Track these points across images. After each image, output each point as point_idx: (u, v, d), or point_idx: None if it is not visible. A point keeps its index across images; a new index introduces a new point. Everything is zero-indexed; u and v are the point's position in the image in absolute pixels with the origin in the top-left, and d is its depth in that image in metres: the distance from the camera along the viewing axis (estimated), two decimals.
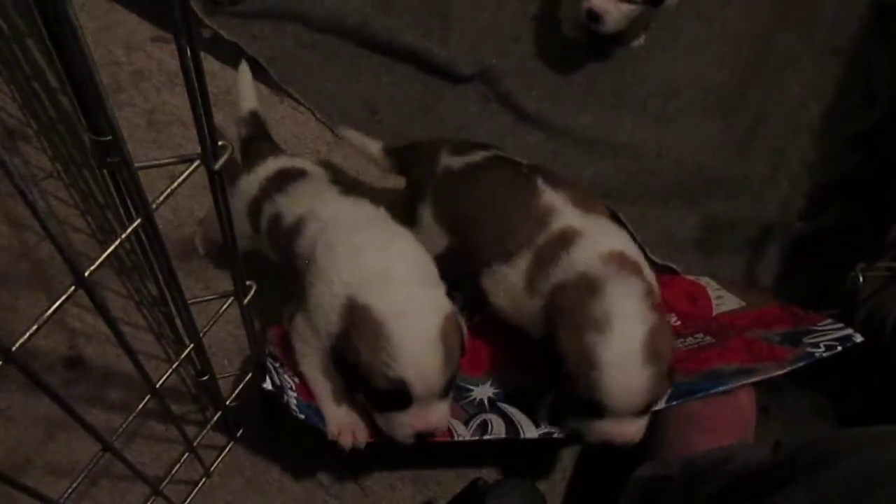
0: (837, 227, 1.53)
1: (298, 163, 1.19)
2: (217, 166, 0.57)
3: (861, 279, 1.14)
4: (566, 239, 1.05)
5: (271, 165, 1.17)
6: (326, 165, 1.24)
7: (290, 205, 1.10)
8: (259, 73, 1.51)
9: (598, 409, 0.98)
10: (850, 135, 1.63)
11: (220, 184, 0.59)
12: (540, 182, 1.11)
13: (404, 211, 1.22)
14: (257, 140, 1.25)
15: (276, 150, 1.24)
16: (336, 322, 0.97)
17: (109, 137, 0.50)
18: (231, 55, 1.52)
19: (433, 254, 1.09)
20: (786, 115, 1.65)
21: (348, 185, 1.17)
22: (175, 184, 0.56)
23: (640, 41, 1.67)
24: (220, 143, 0.56)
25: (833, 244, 1.50)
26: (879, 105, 1.67)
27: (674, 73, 1.66)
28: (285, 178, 1.15)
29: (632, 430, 1.00)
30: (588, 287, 0.99)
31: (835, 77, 1.73)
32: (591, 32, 1.61)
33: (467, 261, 1.15)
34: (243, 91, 1.30)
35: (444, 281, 1.05)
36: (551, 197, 1.09)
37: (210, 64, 1.52)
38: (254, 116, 1.27)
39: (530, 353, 1.11)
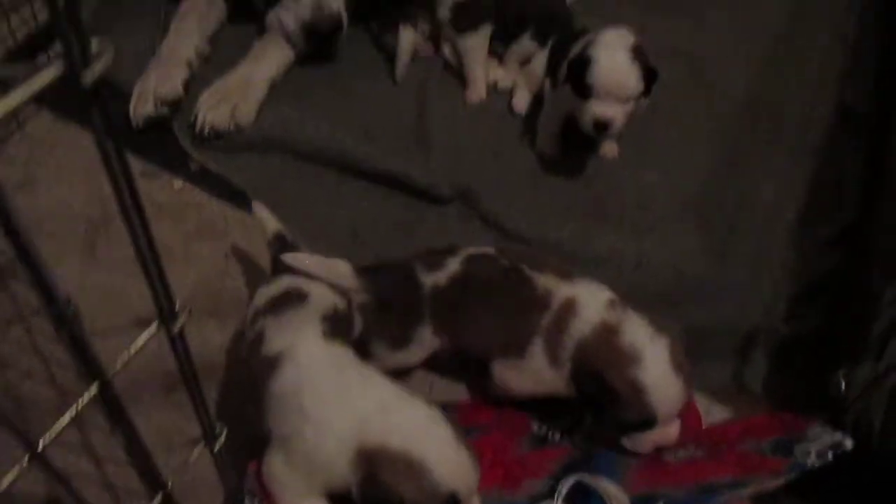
0: (822, 327, 1.53)
1: (306, 285, 1.21)
2: (176, 329, 0.58)
3: (844, 385, 1.14)
4: (569, 308, 1.20)
5: (282, 283, 1.21)
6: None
7: (275, 332, 1.12)
8: (244, 202, 1.56)
9: (649, 423, 1.17)
10: (825, 235, 1.66)
11: (181, 346, 0.60)
12: (527, 271, 1.22)
13: (379, 327, 1.27)
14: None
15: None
16: (349, 470, 0.99)
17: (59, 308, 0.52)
18: (218, 186, 1.57)
19: (423, 357, 1.26)
20: (762, 219, 1.69)
21: (338, 317, 1.18)
22: (133, 351, 0.57)
23: (614, 153, 1.73)
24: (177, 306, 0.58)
25: (819, 345, 1.50)
26: (851, 205, 1.70)
27: (649, 182, 1.70)
28: (284, 301, 1.18)
29: (674, 431, 1.20)
30: (609, 331, 1.17)
31: (807, 178, 1.77)
32: (567, 147, 1.67)
33: (467, 349, 1.28)
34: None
35: None
36: (544, 281, 1.22)
37: (196, 195, 1.56)
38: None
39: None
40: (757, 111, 1.88)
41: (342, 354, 1.11)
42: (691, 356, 1.44)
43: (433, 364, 1.35)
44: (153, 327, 0.57)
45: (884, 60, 2.06)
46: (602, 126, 1.51)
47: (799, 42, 2.08)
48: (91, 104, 0.49)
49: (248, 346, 1.16)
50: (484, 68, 1.77)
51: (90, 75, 0.47)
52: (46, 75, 0.46)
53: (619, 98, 1.48)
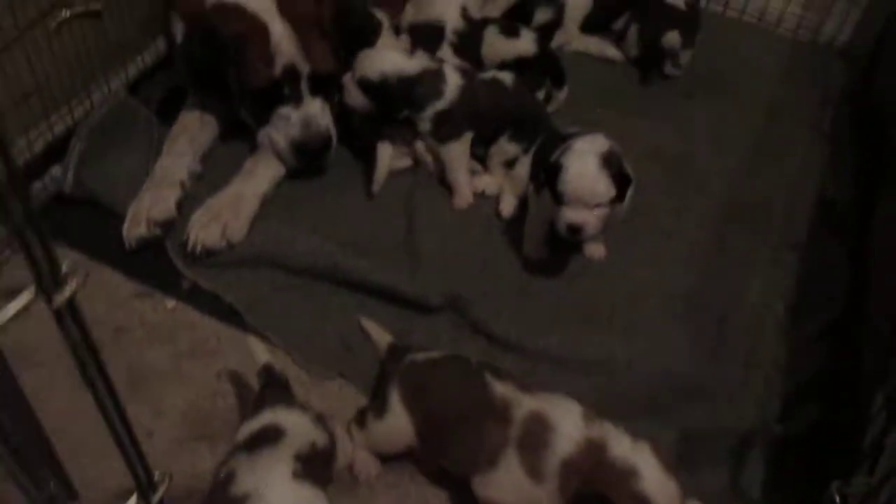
0: (817, 426, 1.52)
1: (285, 420, 1.21)
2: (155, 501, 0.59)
3: (837, 499, 1.12)
4: (540, 423, 1.22)
5: (262, 418, 1.22)
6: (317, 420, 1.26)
7: (246, 471, 1.12)
8: (236, 318, 1.57)
9: None
10: (816, 331, 1.66)
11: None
12: (488, 376, 1.29)
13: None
14: (268, 388, 1.32)
15: (278, 401, 1.27)
16: None
17: None
18: (209, 304, 1.59)
19: (402, 445, 1.32)
20: (751, 316, 1.70)
21: (315, 455, 1.18)
22: None
23: (601, 254, 1.75)
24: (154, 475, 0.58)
25: (815, 445, 1.49)
26: (838, 299, 1.71)
27: (637, 280, 1.72)
28: (261, 438, 1.18)
29: None
30: (597, 448, 1.18)
31: (794, 273, 1.79)
32: (553, 249, 1.70)
33: (442, 457, 1.32)
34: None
35: None
36: (502, 389, 1.27)
37: (189, 315, 1.58)
38: (267, 369, 1.35)
39: None
40: (740, 208, 1.92)
41: (312, 498, 1.10)
42: (688, 462, 1.43)
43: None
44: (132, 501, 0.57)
45: (862, 153, 2.12)
46: (575, 230, 1.53)
47: (777, 139, 2.14)
48: (63, 322, 0.50)
49: (216, 485, 1.15)
50: (467, 174, 1.82)
51: (60, 298, 0.48)
52: (17, 303, 0.47)
53: (589, 204, 1.51)
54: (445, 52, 1.99)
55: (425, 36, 2.02)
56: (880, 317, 1.52)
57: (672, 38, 2.24)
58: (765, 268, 1.79)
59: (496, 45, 2.06)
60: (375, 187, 1.78)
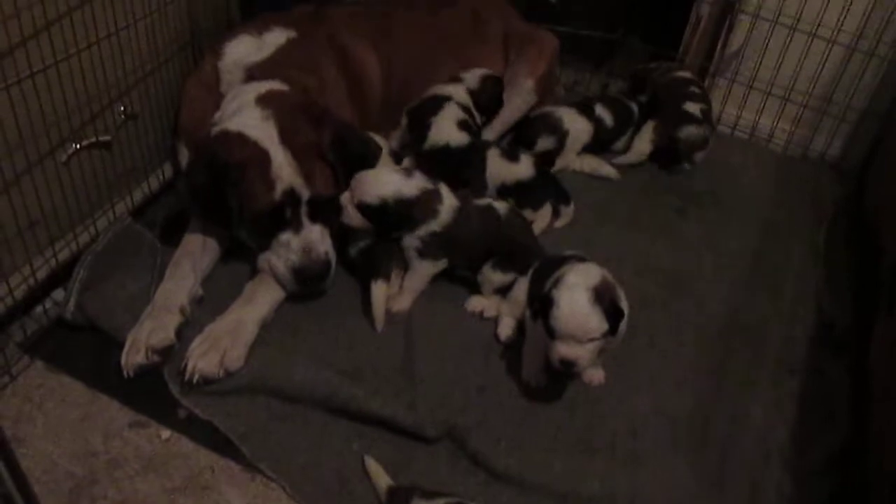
0: None
1: None
2: None
3: None
4: None
5: None
6: None
7: None
8: (232, 449, 1.55)
9: None
10: (821, 460, 1.64)
11: None
12: None
13: None
14: None
15: None
16: None
17: None
18: (204, 435, 1.57)
19: None
20: (754, 442, 1.67)
21: None
22: None
23: (600, 379, 1.74)
24: None
25: None
26: (842, 423, 1.69)
27: (637, 406, 1.71)
28: None
29: None
30: None
31: (795, 397, 1.78)
32: (552, 375, 1.69)
33: None
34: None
35: None
36: None
37: (183, 445, 1.56)
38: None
39: None
40: (738, 329, 1.93)
41: None
42: None
43: None
44: None
45: (857, 270, 2.14)
46: (568, 364, 1.53)
47: (774, 257, 2.17)
48: None
49: None
50: (419, 289, 1.86)
51: None
52: None
53: (581, 340, 1.51)
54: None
55: (438, 159, 2.08)
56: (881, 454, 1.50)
57: (689, 131, 2.41)
58: (765, 391, 1.78)
59: (498, 167, 2.11)
60: (379, 326, 1.78)
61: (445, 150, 2.09)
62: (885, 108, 2.48)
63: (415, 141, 2.16)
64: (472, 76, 2.30)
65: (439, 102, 2.16)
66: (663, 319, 1.92)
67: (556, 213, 2.13)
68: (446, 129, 2.11)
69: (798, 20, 2.50)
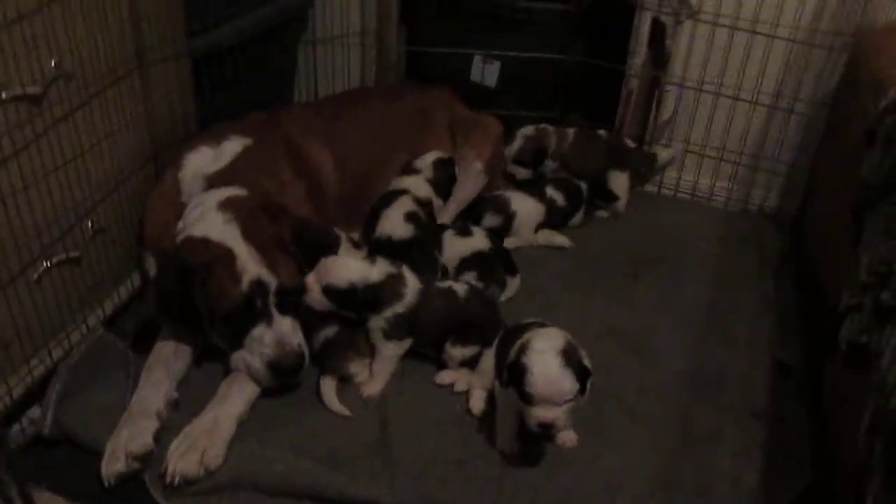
0: None
1: None
2: None
3: None
4: None
5: None
6: None
7: None
8: None
9: None
10: (789, 501, 1.69)
11: None
12: None
13: None
14: None
15: None
16: None
17: None
18: None
19: None
20: (726, 488, 1.73)
21: None
22: None
23: (573, 441, 1.79)
24: None
25: None
26: (806, 466, 1.76)
27: (611, 465, 1.76)
28: None
29: None
30: None
31: (761, 441, 1.84)
32: (525, 441, 1.74)
33: None
34: None
35: None
36: None
37: None
38: None
39: None
40: (699, 380, 2.01)
41: None
42: None
43: None
44: None
45: (806, 317, 2.25)
46: (546, 427, 1.59)
47: (726, 308, 2.28)
48: None
49: None
50: (389, 372, 1.92)
51: None
52: None
53: (557, 402, 1.58)
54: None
55: (383, 249, 2.17)
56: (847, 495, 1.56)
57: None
58: (731, 438, 1.84)
59: (456, 245, 2.24)
60: (342, 412, 1.83)
61: (389, 242, 2.20)
62: (810, 161, 2.66)
63: (367, 231, 2.28)
64: (425, 164, 2.45)
65: (395, 196, 2.30)
66: (628, 379, 1.99)
67: (502, 286, 2.23)
68: (392, 222, 2.24)
69: (720, 86, 2.70)
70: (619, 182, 2.73)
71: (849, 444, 1.58)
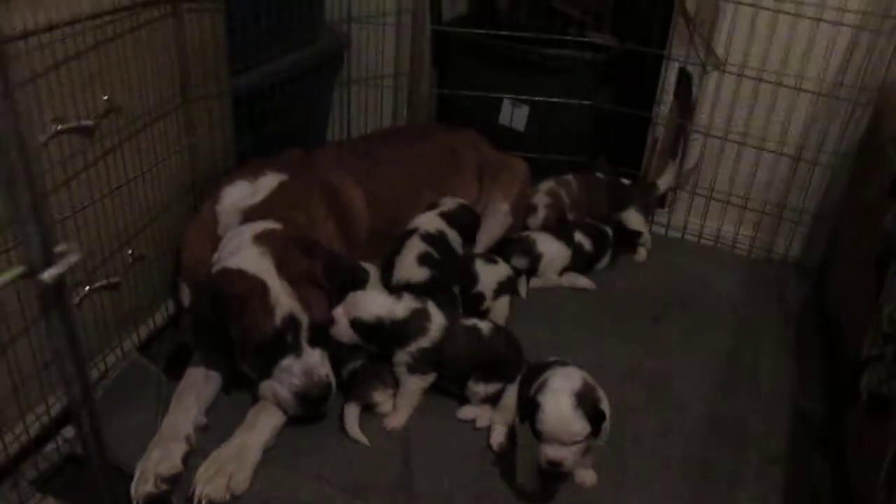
0: None
1: None
2: None
3: None
4: None
5: None
6: None
7: None
8: None
9: None
10: None
11: None
12: None
13: None
14: None
15: None
16: None
17: None
18: None
19: None
20: None
21: None
22: None
23: (592, 480, 1.81)
24: None
25: None
26: None
27: None
28: None
29: None
30: None
31: (780, 486, 1.85)
32: (546, 479, 1.76)
33: None
34: None
35: None
36: None
37: None
38: None
39: None
40: (719, 425, 2.02)
41: None
42: None
43: None
44: None
45: (827, 366, 2.26)
46: (554, 465, 1.62)
47: (747, 355, 2.29)
48: (53, 306, 0.51)
49: None
50: (412, 405, 1.96)
51: (50, 275, 0.50)
52: (8, 274, 0.49)
53: (566, 442, 1.60)
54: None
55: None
56: None
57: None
58: (750, 484, 1.85)
59: (489, 272, 2.33)
60: (362, 440, 1.87)
61: (408, 286, 2.23)
62: (834, 211, 2.68)
63: (385, 277, 2.33)
64: (450, 201, 2.50)
65: (403, 240, 2.34)
66: (648, 422, 2.01)
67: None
68: (407, 268, 2.27)
69: (745, 136, 2.74)
70: (633, 219, 2.81)
71: (869, 491, 1.59)
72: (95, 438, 0.63)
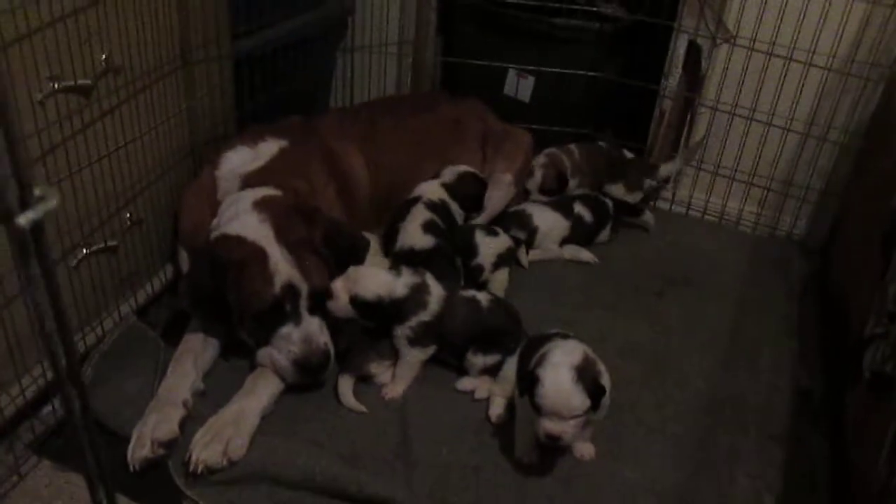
0: None
1: None
2: None
3: None
4: None
5: None
6: None
7: None
8: None
9: None
10: None
11: None
12: None
13: None
14: None
15: None
16: None
17: None
18: None
19: None
20: None
21: None
22: None
23: (591, 453, 1.80)
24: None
25: None
26: (824, 492, 1.76)
27: (627, 481, 1.76)
28: None
29: None
30: None
31: (778, 463, 1.85)
32: (544, 452, 1.75)
33: None
34: None
35: None
36: None
37: None
38: None
39: None
40: (719, 401, 2.01)
41: None
42: None
43: None
44: None
45: (829, 344, 2.24)
46: (553, 438, 1.61)
47: (749, 332, 2.28)
48: (30, 254, 0.49)
49: None
50: (411, 376, 1.95)
51: (25, 218, 0.48)
52: None
53: (565, 416, 1.59)
54: None
55: (405, 259, 2.20)
56: None
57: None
58: (749, 460, 1.84)
59: (489, 244, 2.31)
60: (358, 409, 1.87)
61: (411, 252, 2.22)
62: (841, 188, 2.66)
63: (387, 244, 2.32)
64: (451, 172, 2.47)
65: (409, 206, 2.32)
66: (648, 397, 2.00)
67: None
68: (411, 234, 2.25)
69: (754, 111, 2.70)
70: (614, 192, 2.81)
71: (869, 469, 1.59)
72: (81, 404, 0.60)
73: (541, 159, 2.75)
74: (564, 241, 2.57)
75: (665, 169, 2.88)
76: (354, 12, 3.08)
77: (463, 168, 2.49)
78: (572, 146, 2.82)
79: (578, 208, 2.59)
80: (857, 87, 2.55)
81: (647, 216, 2.76)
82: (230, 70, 2.29)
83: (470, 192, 2.46)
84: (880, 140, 2.33)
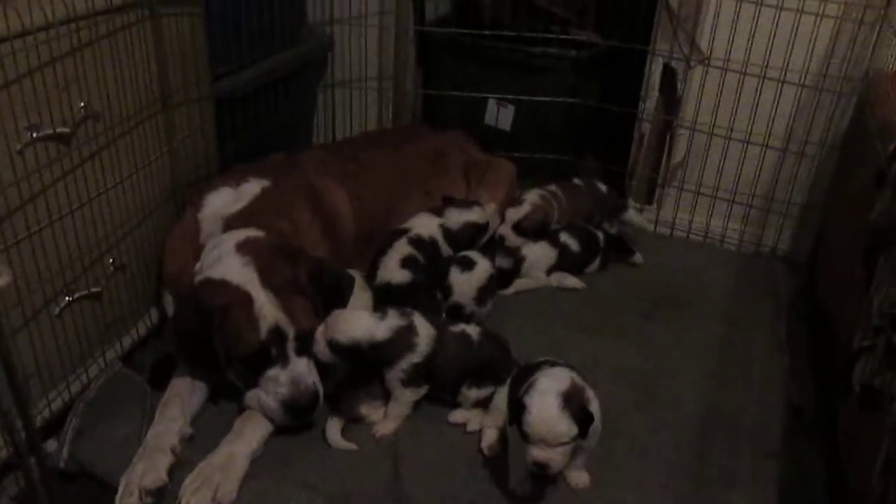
0: None
1: None
2: None
3: None
4: None
5: None
6: None
7: None
8: None
9: None
10: None
11: None
12: None
13: None
14: None
15: None
16: None
17: None
18: None
19: None
20: None
21: None
22: None
23: (585, 482, 1.79)
24: None
25: None
26: None
27: None
28: None
29: None
30: None
31: (774, 484, 1.83)
32: (537, 482, 1.74)
33: None
34: None
35: None
36: None
37: None
38: None
39: None
40: (712, 421, 2.00)
41: None
42: None
43: None
44: None
45: (818, 358, 2.25)
46: (541, 465, 1.60)
47: (739, 349, 2.28)
48: None
49: None
50: (403, 415, 1.92)
51: None
52: None
53: (552, 444, 1.58)
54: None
55: (385, 295, 2.20)
56: None
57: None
58: (744, 479, 1.83)
59: (463, 280, 2.29)
60: (347, 448, 1.84)
61: (388, 288, 2.21)
62: (823, 202, 2.68)
63: (370, 277, 2.30)
64: (456, 217, 2.41)
65: (391, 240, 2.31)
66: (641, 420, 1.99)
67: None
68: (389, 268, 2.25)
69: (731, 130, 2.73)
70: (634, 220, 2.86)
71: (863, 485, 1.58)
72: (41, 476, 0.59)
73: (535, 197, 2.63)
74: (552, 270, 2.57)
75: (630, 215, 2.90)
76: (333, 48, 3.11)
77: (471, 219, 2.42)
78: (556, 188, 2.71)
79: (564, 237, 2.59)
80: (831, 101, 2.58)
81: (637, 257, 2.74)
82: (211, 111, 2.30)
83: (464, 241, 2.41)
84: (856, 153, 2.36)
